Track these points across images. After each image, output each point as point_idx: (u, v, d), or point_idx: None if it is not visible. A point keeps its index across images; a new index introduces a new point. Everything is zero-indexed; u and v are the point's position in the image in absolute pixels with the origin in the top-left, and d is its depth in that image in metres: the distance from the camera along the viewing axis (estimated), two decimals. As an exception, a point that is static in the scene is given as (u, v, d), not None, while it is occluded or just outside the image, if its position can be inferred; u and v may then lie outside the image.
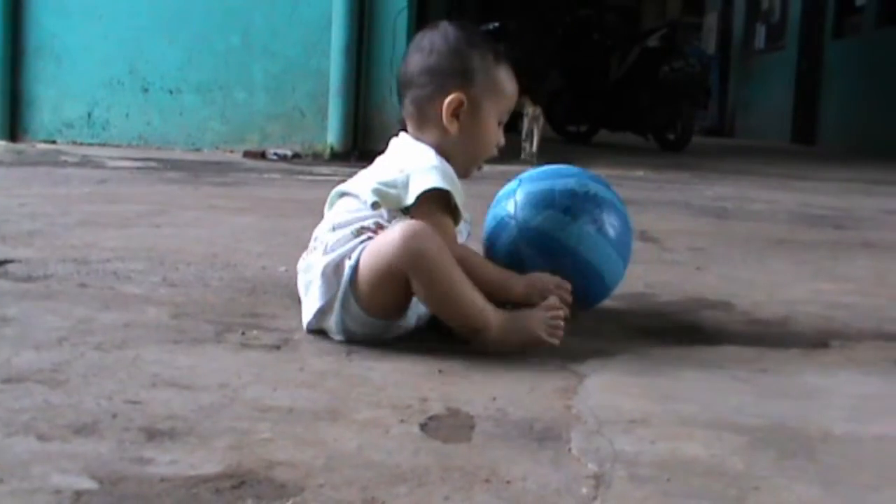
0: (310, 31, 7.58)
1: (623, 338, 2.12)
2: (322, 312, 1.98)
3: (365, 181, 2.05)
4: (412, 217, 1.96)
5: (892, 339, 2.23)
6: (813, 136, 16.10)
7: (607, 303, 2.49)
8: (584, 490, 1.27)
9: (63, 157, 6.49)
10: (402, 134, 2.14)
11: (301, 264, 2.08)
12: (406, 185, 1.98)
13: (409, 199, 1.97)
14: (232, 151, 7.57)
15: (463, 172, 2.10)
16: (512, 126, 4.49)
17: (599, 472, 1.34)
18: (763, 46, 19.77)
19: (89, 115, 7.77)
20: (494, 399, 1.64)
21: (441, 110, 2.06)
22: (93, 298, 2.26)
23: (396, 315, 1.98)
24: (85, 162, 6.24)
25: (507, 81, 2.13)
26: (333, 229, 2.02)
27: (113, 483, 1.22)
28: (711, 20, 22.94)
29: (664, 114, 11.72)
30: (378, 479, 1.27)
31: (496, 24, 9.94)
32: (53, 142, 7.68)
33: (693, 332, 2.20)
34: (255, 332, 2.03)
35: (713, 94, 17.41)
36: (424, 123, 2.10)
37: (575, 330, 2.03)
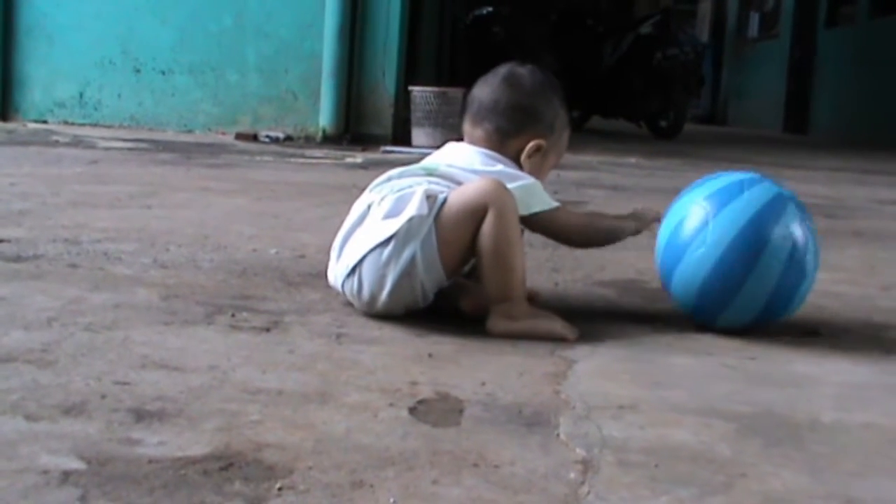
0: (303, 13, 7.56)
1: (613, 324, 2.13)
2: (396, 245, 1.99)
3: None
4: (531, 222, 2.14)
5: (880, 328, 2.23)
6: (805, 125, 16.11)
7: (598, 289, 2.50)
8: (572, 475, 1.27)
9: (54, 137, 6.47)
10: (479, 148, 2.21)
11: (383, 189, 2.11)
12: (532, 196, 2.12)
13: (527, 211, 2.10)
14: (224, 133, 7.55)
15: None
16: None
17: (588, 457, 1.34)
18: (756, 35, 19.77)
19: (81, 95, 7.75)
20: (484, 384, 1.64)
21: (523, 147, 2.21)
22: (83, 279, 2.26)
23: (456, 271, 2.07)
24: (76, 142, 6.22)
25: (567, 138, 2.32)
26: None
27: (101, 463, 1.22)
28: (705, 8, 22.93)
29: (657, 101, 11.71)
30: (366, 463, 1.27)
31: (489, 9, 9.94)
32: (45, 121, 7.65)
33: (683, 319, 2.20)
34: (245, 314, 2.03)
35: (706, 82, 17.38)
36: (502, 151, 2.20)
37: (565, 316, 2.04)
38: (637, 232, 2.27)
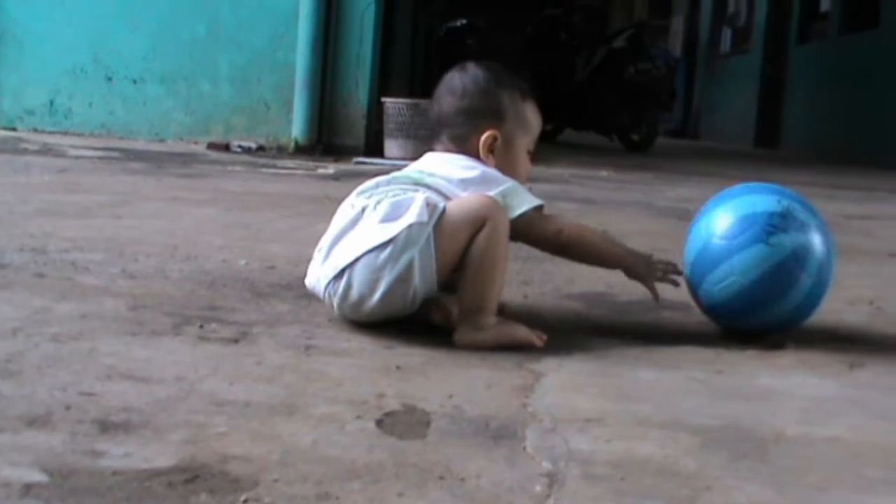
0: (277, 23, 7.55)
1: (581, 337, 2.13)
2: (411, 228, 2.00)
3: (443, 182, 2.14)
4: (512, 226, 2.11)
5: (846, 342, 2.25)
6: (776, 140, 16.21)
7: (567, 302, 2.51)
8: (538, 488, 1.28)
9: (24, 145, 6.43)
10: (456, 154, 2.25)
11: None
12: (513, 200, 2.14)
13: (514, 213, 2.12)
14: (196, 143, 7.53)
15: None
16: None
17: (554, 470, 1.34)
18: (729, 50, 19.89)
19: (51, 102, 7.71)
20: (451, 396, 1.64)
21: (478, 146, 2.22)
22: (50, 289, 2.25)
23: (447, 280, 2.07)
24: (46, 150, 6.19)
25: (533, 116, 2.30)
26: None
27: (64, 476, 1.21)
28: (678, 23, 23.05)
29: (629, 114, 11.77)
30: (332, 475, 1.27)
31: (463, 22, 9.98)
32: (14, 129, 7.60)
33: (651, 333, 2.21)
34: (213, 325, 2.02)
35: (678, 96, 17.47)
36: (466, 155, 2.23)
37: (533, 329, 2.04)
38: (641, 279, 2.25)
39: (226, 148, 7.31)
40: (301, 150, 7.33)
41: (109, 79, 7.72)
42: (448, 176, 2.15)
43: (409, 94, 8.91)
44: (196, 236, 3.12)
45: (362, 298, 2.02)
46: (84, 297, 2.19)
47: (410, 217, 2.00)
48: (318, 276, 2.10)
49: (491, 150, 2.22)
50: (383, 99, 7.53)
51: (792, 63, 16.20)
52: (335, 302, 2.06)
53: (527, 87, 2.32)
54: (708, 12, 20.97)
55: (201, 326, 2.00)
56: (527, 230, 2.17)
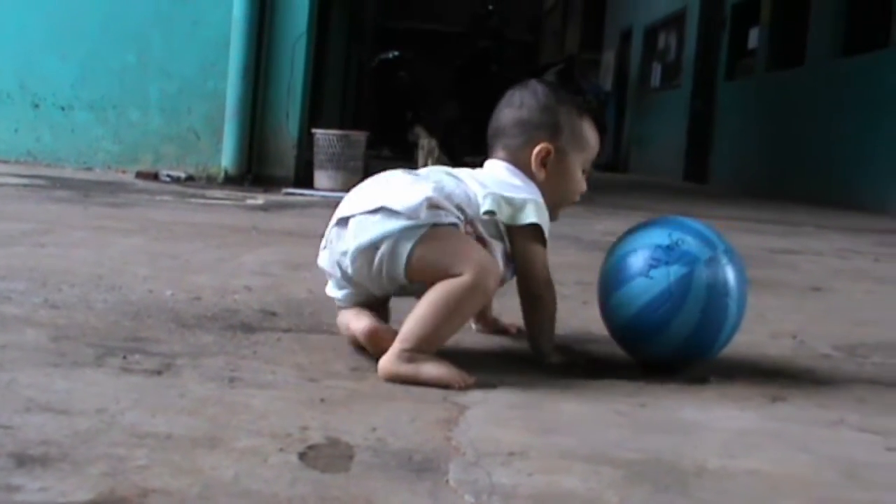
0: (207, 52, 7.53)
1: (507, 370, 2.14)
2: (384, 238, 2.06)
3: (478, 185, 2.18)
4: (515, 235, 2.17)
5: (768, 376, 2.28)
6: (705, 175, 16.42)
7: (493, 335, 2.51)
8: (460, 522, 1.28)
9: (-52, 172, 6.33)
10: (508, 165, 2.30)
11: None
12: (523, 209, 2.16)
13: (525, 220, 2.15)
14: (124, 172, 7.47)
15: (549, 215, 2.26)
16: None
17: (476, 503, 1.34)
18: (658, 85, 20.15)
19: (-24, 128, 7.61)
20: (374, 429, 1.64)
21: (531, 159, 2.25)
22: (-31, 318, 2.21)
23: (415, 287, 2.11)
24: (-30, 177, 6.09)
25: (589, 133, 2.33)
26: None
27: (-22, 510, 1.19)
28: (609, 57, 23.32)
29: (560, 147, 11.85)
30: (253, 509, 1.26)
31: (395, 53, 10.01)
32: (-63, 155, 7.49)
33: (576, 366, 2.22)
34: (136, 356, 2.00)
35: (609, 130, 17.66)
36: (520, 168, 2.27)
37: (459, 362, 2.04)
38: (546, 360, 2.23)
39: (154, 177, 7.26)
40: (230, 181, 7.30)
41: (36, 105, 7.64)
42: (485, 178, 2.21)
43: (340, 126, 8.92)
44: (122, 266, 3.09)
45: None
46: (4, 327, 2.15)
47: (418, 212, 2.06)
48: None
49: (543, 163, 2.26)
50: (314, 130, 7.53)
51: (720, 99, 16.46)
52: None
53: (584, 105, 2.37)
54: (638, 47, 21.26)
55: (124, 357, 1.98)
56: (524, 251, 2.18)
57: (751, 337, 2.73)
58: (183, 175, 7.39)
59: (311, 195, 6.81)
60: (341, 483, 1.38)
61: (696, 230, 2.23)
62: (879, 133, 10.59)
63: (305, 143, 7.63)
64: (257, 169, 7.49)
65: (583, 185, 2.37)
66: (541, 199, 2.21)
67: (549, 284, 2.21)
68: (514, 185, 2.22)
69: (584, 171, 2.35)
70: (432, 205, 2.07)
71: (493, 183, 2.21)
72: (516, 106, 2.31)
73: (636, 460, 1.59)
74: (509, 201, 2.16)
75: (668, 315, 2.14)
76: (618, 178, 17.21)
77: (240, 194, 6.59)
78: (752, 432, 1.82)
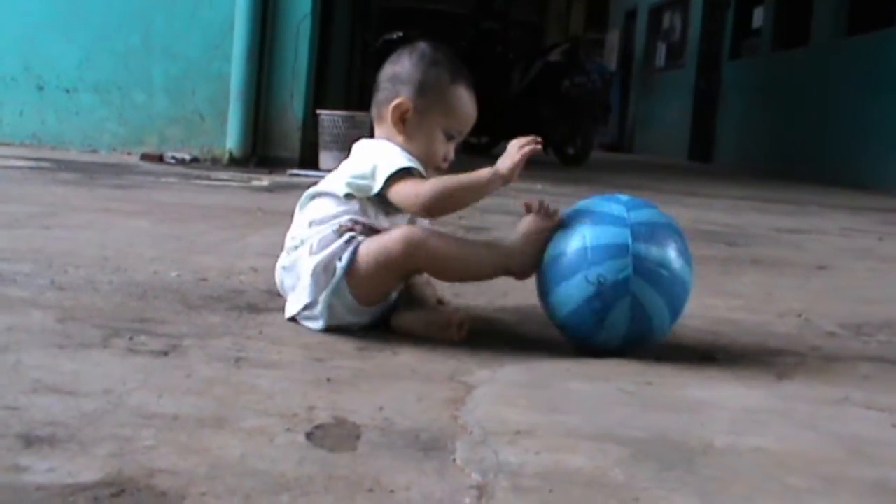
0: (212, 34, 7.51)
1: (513, 350, 2.14)
2: (309, 307, 2.17)
3: (337, 179, 2.26)
4: (387, 195, 2.18)
5: (775, 354, 2.28)
6: (709, 154, 16.40)
7: (499, 315, 2.51)
8: (467, 500, 1.28)
9: (-47, 155, 6.34)
10: (361, 139, 2.36)
11: (283, 261, 2.25)
12: (374, 175, 2.18)
13: (377, 186, 2.17)
14: (129, 154, 7.46)
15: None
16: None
17: (483, 482, 1.34)
18: (663, 65, 20.10)
19: (-20, 111, 7.60)
20: (381, 409, 1.64)
21: (389, 112, 2.29)
22: (-24, 300, 2.21)
23: (384, 298, 2.20)
24: (-25, 160, 6.09)
25: (459, 101, 2.32)
26: (311, 225, 2.21)
27: (-14, 490, 1.19)
28: (613, 38, 23.26)
29: (565, 128, 11.84)
30: (261, 488, 1.26)
31: (399, 34, 9.95)
32: (-58, 138, 7.49)
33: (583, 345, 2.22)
34: (142, 337, 2.00)
35: (614, 110, 17.63)
36: (380, 124, 2.33)
37: (465, 342, 2.05)
38: (503, 177, 2.24)
39: (159, 159, 7.25)
40: (235, 162, 7.29)
41: (41, 88, 7.63)
42: (333, 190, 2.24)
43: (345, 106, 8.90)
44: (127, 248, 3.09)
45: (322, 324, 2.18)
46: (11, 309, 2.16)
47: (314, 287, 2.15)
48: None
49: (402, 119, 2.27)
50: (318, 111, 7.51)
51: (725, 78, 16.42)
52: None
53: (466, 74, 2.34)
54: (643, 27, 21.20)
55: (131, 339, 1.98)
56: (399, 201, 2.19)
57: (757, 316, 2.73)
58: (188, 157, 7.38)
59: (317, 176, 6.78)
60: (348, 462, 1.38)
61: (650, 223, 2.24)
62: (884, 112, 10.57)
63: (310, 124, 7.62)
64: (262, 150, 7.48)
65: (448, 152, 2.32)
66: (390, 147, 2.24)
67: (431, 197, 2.15)
68: (362, 157, 2.25)
69: (451, 139, 2.32)
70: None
71: (343, 169, 2.26)
72: (394, 62, 2.33)
73: (643, 438, 1.59)
74: (359, 176, 2.20)
75: (606, 309, 2.07)
76: (623, 158, 17.19)
77: (245, 175, 6.59)
78: (758, 410, 1.82)
